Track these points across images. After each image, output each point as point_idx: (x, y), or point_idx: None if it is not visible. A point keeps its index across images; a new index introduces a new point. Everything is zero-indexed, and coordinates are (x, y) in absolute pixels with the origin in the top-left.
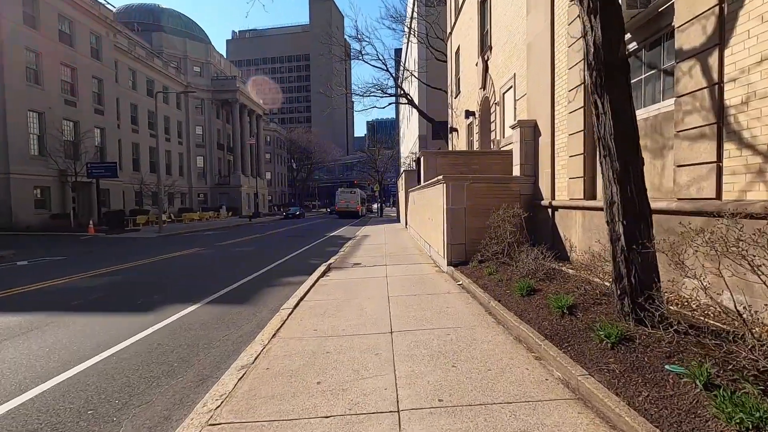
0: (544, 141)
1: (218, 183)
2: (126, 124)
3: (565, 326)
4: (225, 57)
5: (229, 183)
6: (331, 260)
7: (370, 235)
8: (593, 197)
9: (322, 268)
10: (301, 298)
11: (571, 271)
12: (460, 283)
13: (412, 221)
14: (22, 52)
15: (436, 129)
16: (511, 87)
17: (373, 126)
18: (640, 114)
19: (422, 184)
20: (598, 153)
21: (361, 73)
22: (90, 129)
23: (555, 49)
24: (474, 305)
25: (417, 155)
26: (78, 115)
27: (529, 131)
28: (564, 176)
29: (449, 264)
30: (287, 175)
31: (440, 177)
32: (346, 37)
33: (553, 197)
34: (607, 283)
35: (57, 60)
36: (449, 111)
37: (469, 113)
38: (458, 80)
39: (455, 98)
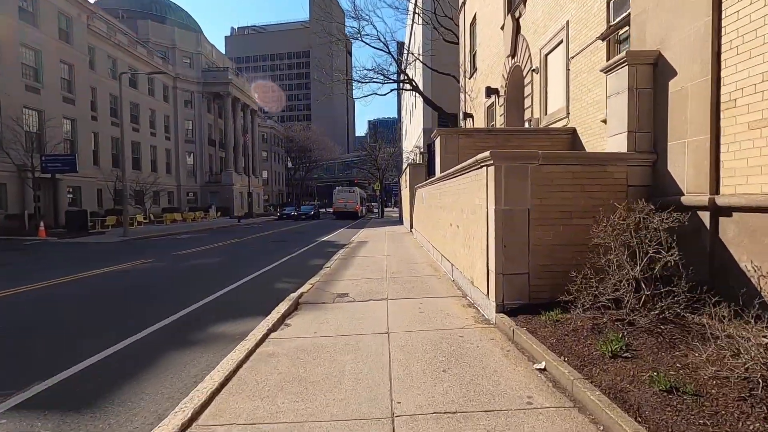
0: (684, 86)
1: (209, 181)
2: (105, 116)
3: None
4: (223, 53)
5: (220, 181)
6: (306, 287)
7: (368, 242)
8: None
9: (283, 308)
10: (201, 408)
11: None
12: (542, 367)
13: (420, 225)
14: None
15: (443, 120)
16: (560, 42)
17: (374, 125)
18: None
19: (438, 174)
20: None
21: (361, 58)
22: (57, 119)
23: None
24: None
25: (424, 145)
26: (42, 104)
27: (646, 72)
28: (754, 147)
29: (501, 309)
30: (285, 174)
31: (485, 155)
32: (346, 18)
33: (714, 189)
34: None
35: (16, 41)
36: (461, 96)
37: (490, 91)
38: (473, 56)
39: (470, 78)
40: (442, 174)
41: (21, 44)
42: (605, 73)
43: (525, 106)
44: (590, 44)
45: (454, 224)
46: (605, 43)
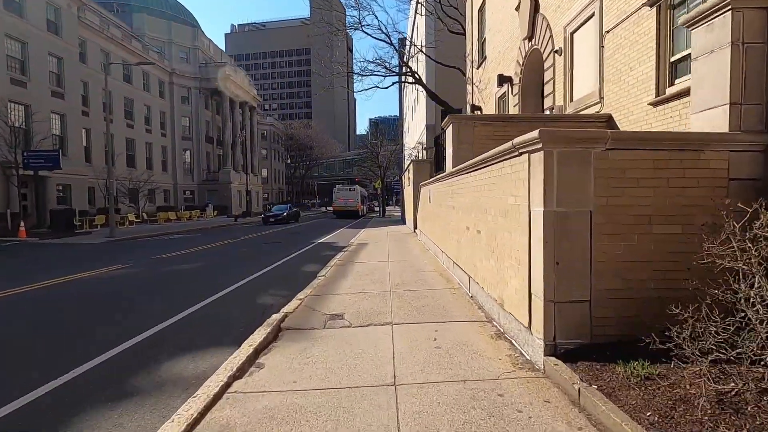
0: None
1: (206, 179)
2: (97, 111)
3: None
4: (222, 50)
5: (218, 179)
6: (294, 303)
7: (369, 244)
8: None
9: (258, 338)
10: None
11: None
12: None
13: (425, 226)
14: None
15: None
16: (590, 16)
17: (376, 123)
18: None
19: (450, 169)
20: None
21: (362, 49)
22: (44, 114)
23: None
24: None
25: (427, 142)
26: (29, 98)
27: (757, 20)
28: None
29: (551, 351)
30: (285, 172)
31: (529, 137)
32: (346, 9)
33: None
34: None
35: (0, 31)
36: (468, 87)
37: (503, 79)
38: (482, 44)
39: (478, 68)
40: (456, 168)
41: (6, 35)
42: (690, 26)
43: (545, 94)
44: (634, 12)
45: (472, 228)
46: (654, 9)
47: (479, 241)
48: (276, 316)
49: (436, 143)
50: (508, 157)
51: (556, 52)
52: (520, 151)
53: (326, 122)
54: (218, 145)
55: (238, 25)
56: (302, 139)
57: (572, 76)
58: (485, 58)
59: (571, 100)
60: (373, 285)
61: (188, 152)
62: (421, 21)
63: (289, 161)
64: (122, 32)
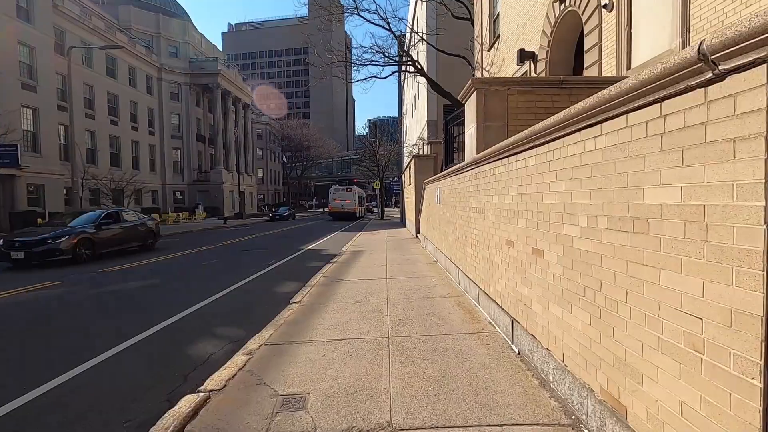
0: None
1: (197, 179)
2: (78, 107)
3: None
4: (216, 46)
5: (209, 179)
6: (234, 363)
7: (365, 253)
8: None
9: None
10: None
11: None
12: None
13: (432, 232)
14: None
15: (451, 111)
16: None
17: (375, 123)
18: None
19: (474, 156)
20: None
21: (358, 36)
22: (10, 105)
23: None
24: None
25: (429, 138)
26: None
27: None
28: None
29: None
30: (281, 173)
31: None
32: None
33: None
34: None
35: None
36: (477, 74)
37: (525, 55)
38: (494, 22)
39: (489, 50)
40: (486, 152)
41: None
42: None
43: (585, 65)
44: None
45: (520, 244)
46: None
47: (540, 269)
48: (186, 405)
49: (446, 127)
50: (668, 93)
51: (604, 7)
52: (741, 62)
53: (324, 122)
54: (210, 143)
55: (236, 24)
56: (299, 138)
57: (629, 35)
58: (498, 36)
59: (629, 67)
60: (364, 324)
61: (178, 151)
62: (421, 11)
63: (285, 161)
64: (106, 23)
